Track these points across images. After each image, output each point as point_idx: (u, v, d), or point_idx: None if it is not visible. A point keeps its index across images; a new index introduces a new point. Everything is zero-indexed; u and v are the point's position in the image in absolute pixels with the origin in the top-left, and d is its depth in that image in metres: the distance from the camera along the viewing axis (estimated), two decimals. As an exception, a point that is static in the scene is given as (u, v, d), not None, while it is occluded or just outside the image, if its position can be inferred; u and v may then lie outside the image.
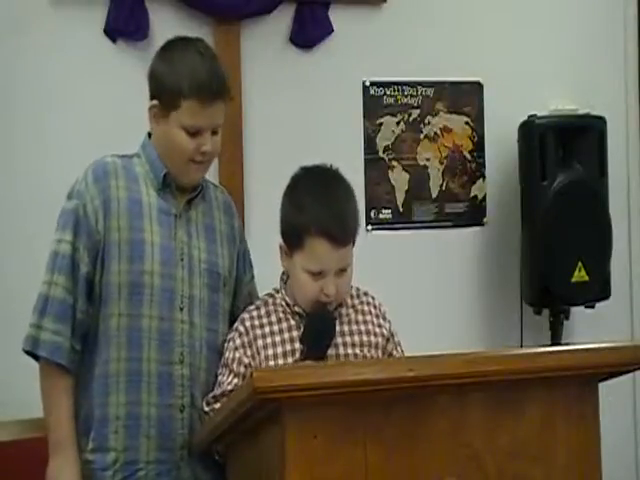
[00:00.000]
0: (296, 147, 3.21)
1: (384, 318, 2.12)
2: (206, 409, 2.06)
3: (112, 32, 3.11)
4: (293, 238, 1.98)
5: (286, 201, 2.03)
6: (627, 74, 3.67)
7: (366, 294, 2.14)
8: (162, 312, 2.07)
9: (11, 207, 3.04)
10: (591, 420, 1.74)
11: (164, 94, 2.07)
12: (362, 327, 2.05)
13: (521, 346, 3.39)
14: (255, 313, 2.08)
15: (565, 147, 3.36)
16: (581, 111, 3.47)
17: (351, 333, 2.04)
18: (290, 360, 1.98)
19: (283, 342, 2.01)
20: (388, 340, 2.09)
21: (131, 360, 2.05)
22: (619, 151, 3.60)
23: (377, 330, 2.07)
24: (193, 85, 2.02)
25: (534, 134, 3.33)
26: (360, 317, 2.07)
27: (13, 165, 3.05)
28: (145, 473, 2.06)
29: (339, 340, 2.01)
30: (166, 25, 3.16)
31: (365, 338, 2.04)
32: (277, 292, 2.10)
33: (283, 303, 2.06)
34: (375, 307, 2.12)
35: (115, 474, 2.05)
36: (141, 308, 2.06)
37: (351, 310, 2.08)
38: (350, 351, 2.01)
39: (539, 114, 3.37)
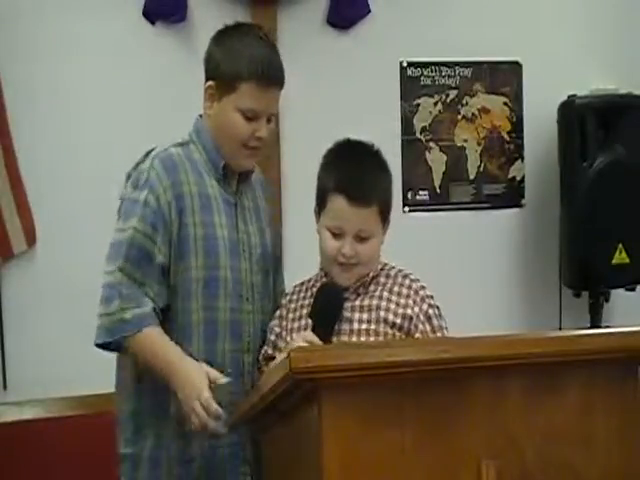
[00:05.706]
0: (333, 128, 3.16)
1: (420, 301, 2.03)
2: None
3: (151, 14, 3.13)
4: (319, 197, 2.05)
5: (321, 164, 2.09)
6: (669, 53, 3.61)
7: (406, 277, 2.09)
8: (233, 304, 2.11)
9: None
10: (632, 404, 1.72)
11: (222, 76, 2.04)
12: (383, 303, 2.02)
13: (560, 329, 3.36)
14: (297, 288, 2.15)
15: (606, 127, 3.32)
16: (622, 91, 3.42)
17: (369, 309, 2.02)
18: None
19: (305, 317, 2.05)
20: (411, 319, 2.00)
21: (207, 352, 2.07)
22: (661, 131, 3.54)
23: (400, 310, 2.01)
24: (252, 69, 2.01)
25: (574, 114, 3.29)
26: (385, 294, 2.04)
27: (52, 147, 3.09)
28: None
29: (356, 316, 2.02)
30: (204, 7, 3.17)
31: (382, 314, 2.01)
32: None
33: (323, 279, 2.09)
34: (410, 288, 2.05)
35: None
36: (217, 301, 2.08)
37: (380, 287, 2.06)
38: (364, 327, 2.00)
39: (579, 94, 3.33)
